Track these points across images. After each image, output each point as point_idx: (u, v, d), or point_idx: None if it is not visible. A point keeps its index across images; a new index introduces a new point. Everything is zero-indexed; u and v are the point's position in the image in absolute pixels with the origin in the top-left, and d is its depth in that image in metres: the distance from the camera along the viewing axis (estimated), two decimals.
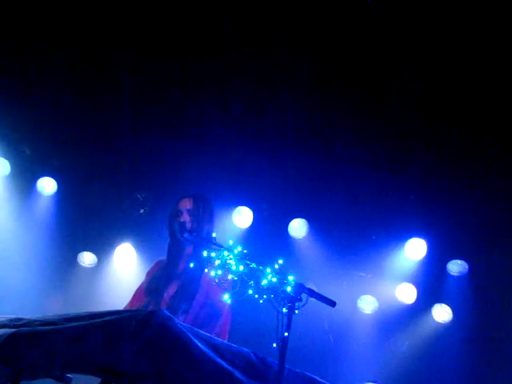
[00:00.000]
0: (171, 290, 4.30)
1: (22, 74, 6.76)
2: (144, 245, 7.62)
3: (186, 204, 4.44)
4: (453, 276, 7.41)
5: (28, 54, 6.64)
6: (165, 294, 4.28)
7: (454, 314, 7.33)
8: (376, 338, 7.46)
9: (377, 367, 7.11)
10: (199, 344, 3.11)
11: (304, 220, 7.63)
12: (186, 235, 4.31)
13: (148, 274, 4.56)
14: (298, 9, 5.97)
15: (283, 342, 3.21)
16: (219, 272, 3.50)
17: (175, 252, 4.44)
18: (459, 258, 7.40)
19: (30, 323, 3.14)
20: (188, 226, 4.34)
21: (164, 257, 4.54)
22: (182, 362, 3.06)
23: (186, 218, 4.38)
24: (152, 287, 4.38)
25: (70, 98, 6.94)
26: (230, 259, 3.46)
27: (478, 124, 6.50)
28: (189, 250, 4.40)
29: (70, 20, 6.34)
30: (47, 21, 6.35)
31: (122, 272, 7.68)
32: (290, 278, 3.35)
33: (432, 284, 7.50)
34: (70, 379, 3.37)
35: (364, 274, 7.55)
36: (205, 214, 4.43)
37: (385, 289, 7.54)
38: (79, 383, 3.54)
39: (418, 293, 7.45)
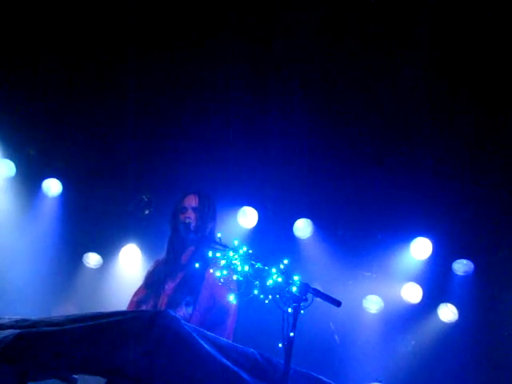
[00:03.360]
0: (173, 282, 4.28)
1: (26, 75, 6.77)
2: (149, 246, 7.62)
3: (192, 201, 4.44)
4: (458, 275, 7.39)
5: (32, 56, 6.65)
6: (166, 286, 4.26)
7: (459, 313, 7.32)
8: (381, 338, 7.45)
9: (382, 367, 7.10)
10: (205, 344, 3.11)
11: (309, 220, 7.62)
12: (191, 236, 4.31)
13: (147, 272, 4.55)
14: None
15: (289, 342, 3.21)
16: (225, 272, 3.49)
17: (177, 248, 4.43)
18: (465, 258, 7.39)
19: (36, 324, 3.14)
20: (193, 225, 4.34)
21: (162, 256, 4.52)
22: (187, 362, 3.06)
23: (191, 215, 4.37)
24: (152, 280, 4.37)
25: (74, 100, 6.95)
26: (236, 259, 3.46)
27: (482, 123, 6.48)
28: (191, 247, 4.40)
29: (71, 21, 6.35)
30: (50, 21, 6.37)
31: (128, 273, 7.68)
32: (296, 278, 3.34)
33: (438, 283, 7.49)
34: (75, 380, 3.38)
35: (369, 274, 7.54)
36: (209, 212, 4.44)
37: (390, 288, 7.53)
38: None
39: (423, 292, 7.44)
